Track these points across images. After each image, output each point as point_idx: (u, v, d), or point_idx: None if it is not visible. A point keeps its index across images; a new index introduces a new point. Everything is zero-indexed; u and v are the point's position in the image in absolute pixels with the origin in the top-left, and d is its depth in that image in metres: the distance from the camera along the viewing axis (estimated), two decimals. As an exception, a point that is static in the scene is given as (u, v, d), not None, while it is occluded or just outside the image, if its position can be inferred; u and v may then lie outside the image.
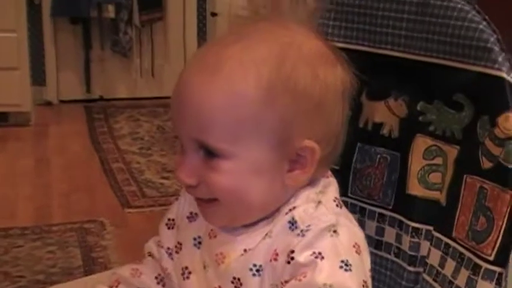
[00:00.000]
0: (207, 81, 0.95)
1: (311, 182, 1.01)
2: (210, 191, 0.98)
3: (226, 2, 4.91)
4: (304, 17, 1.14)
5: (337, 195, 1.02)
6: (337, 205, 1.00)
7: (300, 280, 0.90)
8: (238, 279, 0.99)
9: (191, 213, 1.10)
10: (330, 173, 1.06)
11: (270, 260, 0.96)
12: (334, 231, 0.94)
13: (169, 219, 1.14)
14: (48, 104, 5.47)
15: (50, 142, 4.76)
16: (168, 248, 1.12)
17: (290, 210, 0.98)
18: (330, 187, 1.02)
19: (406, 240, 1.15)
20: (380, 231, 1.18)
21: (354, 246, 0.95)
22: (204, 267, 1.04)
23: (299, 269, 0.92)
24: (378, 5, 1.17)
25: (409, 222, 1.15)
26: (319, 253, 0.91)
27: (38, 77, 5.38)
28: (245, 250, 0.99)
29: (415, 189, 1.15)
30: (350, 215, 1.02)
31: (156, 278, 1.13)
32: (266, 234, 0.98)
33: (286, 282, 0.93)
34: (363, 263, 0.96)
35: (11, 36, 4.79)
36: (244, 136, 0.95)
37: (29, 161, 4.39)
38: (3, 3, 4.72)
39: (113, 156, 4.38)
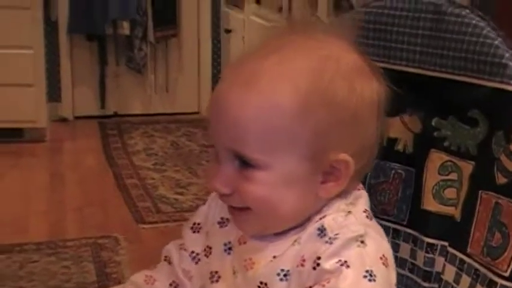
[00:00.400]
0: (244, 93, 0.97)
1: (342, 194, 1.02)
2: (243, 200, 1.00)
3: (240, 18, 4.93)
4: (340, 30, 1.11)
5: (368, 207, 1.03)
6: (367, 216, 1.02)
7: (323, 286, 0.92)
8: (265, 284, 1.00)
9: (222, 218, 1.11)
10: (361, 185, 1.07)
11: (297, 266, 0.98)
12: (362, 242, 0.95)
13: (194, 223, 1.14)
14: (64, 120, 5.49)
15: (64, 158, 4.78)
16: (193, 252, 1.13)
17: (320, 218, 0.99)
18: (361, 199, 1.04)
19: (421, 255, 1.14)
20: (395, 247, 1.16)
21: (381, 258, 0.96)
22: (234, 272, 1.05)
23: (324, 275, 0.93)
24: (393, 20, 1.17)
25: (423, 238, 1.14)
26: (345, 261, 0.93)
27: (54, 93, 5.40)
28: (274, 256, 1.01)
29: (430, 204, 1.14)
30: (380, 228, 1.03)
31: (170, 285, 1.14)
32: (295, 241, 0.99)
33: (310, 287, 0.94)
34: (389, 276, 0.97)
35: (27, 53, 4.81)
36: (279, 147, 0.97)
37: (44, 176, 4.41)
38: (20, 19, 4.74)
39: (127, 171, 4.39)
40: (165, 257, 1.16)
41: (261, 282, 1.00)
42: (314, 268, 0.95)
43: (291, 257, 0.99)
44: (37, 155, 4.74)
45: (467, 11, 1.10)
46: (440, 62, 1.12)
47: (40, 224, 3.60)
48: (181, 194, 4.01)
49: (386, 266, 0.96)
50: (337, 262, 0.93)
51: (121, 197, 3.95)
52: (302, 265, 0.97)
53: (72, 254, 3.22)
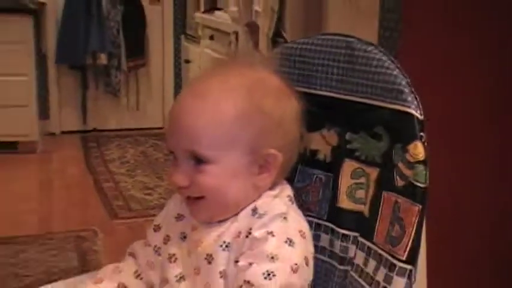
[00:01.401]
0: (197, 106, 1.02)
1: (272, 187, 1.07)
2: (199, 190, 1.03)
3: (197, 51, 4.92)
4: (267, 61, 1.20)
5: (291, 195, 1.08)
6: (290, 200, 1.07)
7: (253, 250, 0.98)
8: (211, 255, 1.03)
9: (178, 214, 1.13)
10: (285, 181, 1.11)
11: (235, 237, 1.02)
12: (285, 218, 1.01)
13: (155, 225, 1.16)
14: (52, 134, 5.41)
15: (52, 166, 4.71)
16: (155, 246, 1.14)
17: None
18: (285, 189, 1.08)
19: (337, 244, 1.14)
20: (317, 238, 1.17)
21: (299, 231, 1.01)
22: (189, 254, 1.07)
23: (254, 242, 0.98)
24: (314, 54, 1.18)
25: (339, 230, 1.14)
26: (271, 232, 0.98)
27: (44, 112, 5.30)
28: (218, 236, 1.03)
29: (344, 203, 1.15)
30: (299, 211, 1.08)
31: (134, 273, 1.13)
32: (235, 219, 1.04)
33: (243, 254, 0.99)
34: (306, 246, 1.02)
35: (22, 80, 4.78)
36: (225, 146, 1.02)
37: (35, 181, 4.37)
38: (17, 52, 4.71)
39: (104, 177, 4.33)
40: (130, 253, 1.17)
41: (207, 255, 1.03)
42: (247, 236, 1.00)
43: (231, 232, 1.03)
44: (30, 163, 4.66)
45: (373, 47, 1.11)
46: (352, 87, 1.12)
47: (31, 221, 3.54)
48: (149, 194, 3.97)
49: (304, 238, 1.02)
50: (264, 232, 0.98)
51: (98, 197, 3.91)
52: (238, 236, 1.01)
53: (58, 245, 3.18)
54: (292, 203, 1.08)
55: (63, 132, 5.48)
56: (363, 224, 1.10)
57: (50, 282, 1.21)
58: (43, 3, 5.11)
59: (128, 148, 5.11)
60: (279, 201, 1.05)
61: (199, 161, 1.02)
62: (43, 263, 2.98)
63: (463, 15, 1.92)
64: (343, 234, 1.14)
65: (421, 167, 1.01)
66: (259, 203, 1.04)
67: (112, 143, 5.24)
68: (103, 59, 5.32)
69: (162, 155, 4.86)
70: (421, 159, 1.01)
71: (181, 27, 5.67)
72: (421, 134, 1.02)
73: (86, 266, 2.93)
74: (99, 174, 4.38)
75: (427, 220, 1.02)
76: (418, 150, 1.01)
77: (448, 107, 1.95)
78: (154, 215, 1.20)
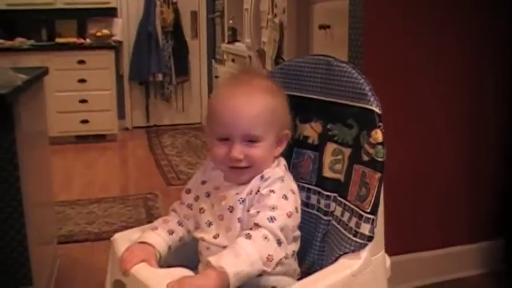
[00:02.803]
0: (248, 103, 1.00)
1: (274, 160, 1.06)
2: (250, 161, 1.01)
3: (223, 70, 4.89)
4: (267, 75, 1.19)
5: (285, 164, 1.07)
6: (285, 168, 1.05)
7: (260, 202, 0.96)
8: (232, 207, 1.00)
9: (203, 181, 1.10)
10: (281, 157, 1.08)
11: (248, 195, 1.00)
12: (282, 180, 1.00)
13: (187, 189, 1.13)
14: (126, 129, 5.41)
15: (127, 150, 4.72)
16: (188, 204, 1.10)
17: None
18: (282, 162, 1.06)
19: (322, 202, 1.11)
20: (308, 197, 1.14)
21: (291, 190, 1.00)
22: (212, 206, 1.04)
23: (261, 197, 0.97)
24: (303, 69, 1.14)
25: (324, 192, 1.11)
26: (273, 190, 0.97)
27: (121, 114, 5.29)
28: (237, 193, 1.01)
29: (327, 173, 1.11)
30: (291, 175, 1.06)
31: (177, 222, 1.10)
32: (249, 184, 1.01)
33: (253, 205, 0.98)
34: (296, 200, 1.01)
35: (107, 93, 4.84)
36: (267, 128, 1.01)
37: (117, 160, 4.37)
38: (104, 75, 4.80)
39: (162, 157, 4.30)
40: (172, 209, 1.13)
41: (230, 206, 1.01)
42: (256, 193, 0.98)
43: (246, 192, 1.01)
44: (113, 149, 4.67)
45: (345, 63, 1.07)
46: (331, 92, 1.08)
47: (115, 187, 3.54)
48: (191, 169, 3.93)
49: (294, 194, 1.00)
50: (268, 190, 0.97)
51: (158, 171, 3.88)
52: (250, 194, 1.00)
53: (132, 203, 3.17)
54: (286, 170, 1.06)
55: (134, 127, 5.47)
56: (340, 188, 1.07)
57: (127, 228, 1.18)
58: (120, 42, 5.15)
59: (177, 137, 5.07)
60: (278, 169, 1.03)
61: (251, 140, 1.00)
62: (123, 215, 2.97)
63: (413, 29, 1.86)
64: (327, 195, 1.10)
65: (380, 147, 0.98)
66: (265, 171, 1.02)
67: (166, 134, 5.21)
68: (160, 77, 5.34)
69: (200, 142, 4.83)
70: (380, 141, 0.98)
71: (212, 54, 5.63)
72: (380, 124, 0.99)
73: (150, 218, 2.91)
74: (158, 155, 4.35)
75: (384, 184, 0.98)
76: (377, 135, 0.98)
77: (405, 103, 1.90)
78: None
